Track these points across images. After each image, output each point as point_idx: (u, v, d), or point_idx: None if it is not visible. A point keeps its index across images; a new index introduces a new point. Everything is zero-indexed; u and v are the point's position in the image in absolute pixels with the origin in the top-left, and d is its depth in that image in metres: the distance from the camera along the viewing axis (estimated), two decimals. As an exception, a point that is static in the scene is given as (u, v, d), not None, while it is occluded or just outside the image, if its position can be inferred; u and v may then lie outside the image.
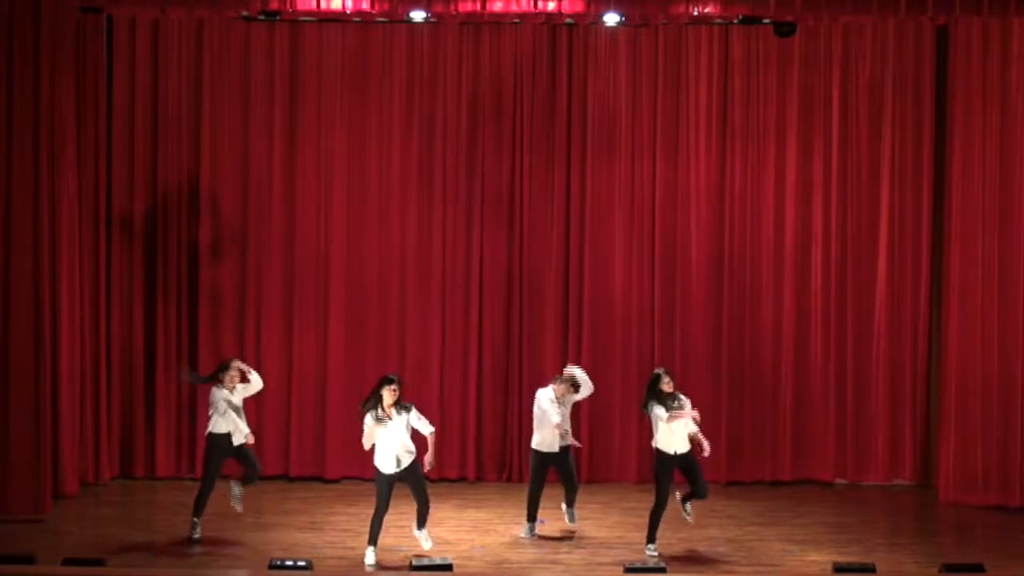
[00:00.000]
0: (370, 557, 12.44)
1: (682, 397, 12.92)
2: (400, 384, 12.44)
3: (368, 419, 12.30)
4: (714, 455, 13.60)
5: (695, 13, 14.35)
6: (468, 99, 15.87)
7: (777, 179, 15.86)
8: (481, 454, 15.87)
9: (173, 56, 15.68)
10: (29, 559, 10.64)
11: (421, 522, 12.52)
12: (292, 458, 15.71)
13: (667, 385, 12.85)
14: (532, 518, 13.45)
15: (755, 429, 15.78)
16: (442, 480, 15.38)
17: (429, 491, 12.60)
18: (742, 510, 14.52)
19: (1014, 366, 14.92)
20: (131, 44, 15.64)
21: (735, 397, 15.73)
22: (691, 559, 12.80)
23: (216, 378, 13.28)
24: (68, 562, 10.82)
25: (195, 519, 13.20)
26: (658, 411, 12.74)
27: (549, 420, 13.24)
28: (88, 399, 15.17)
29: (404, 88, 15.85)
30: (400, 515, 13.05)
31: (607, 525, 13.66)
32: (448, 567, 10.77)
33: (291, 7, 14.27)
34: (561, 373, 13.69)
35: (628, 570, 10.71)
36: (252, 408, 13.84)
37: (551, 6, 14.22)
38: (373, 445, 12.40)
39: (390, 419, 12.31)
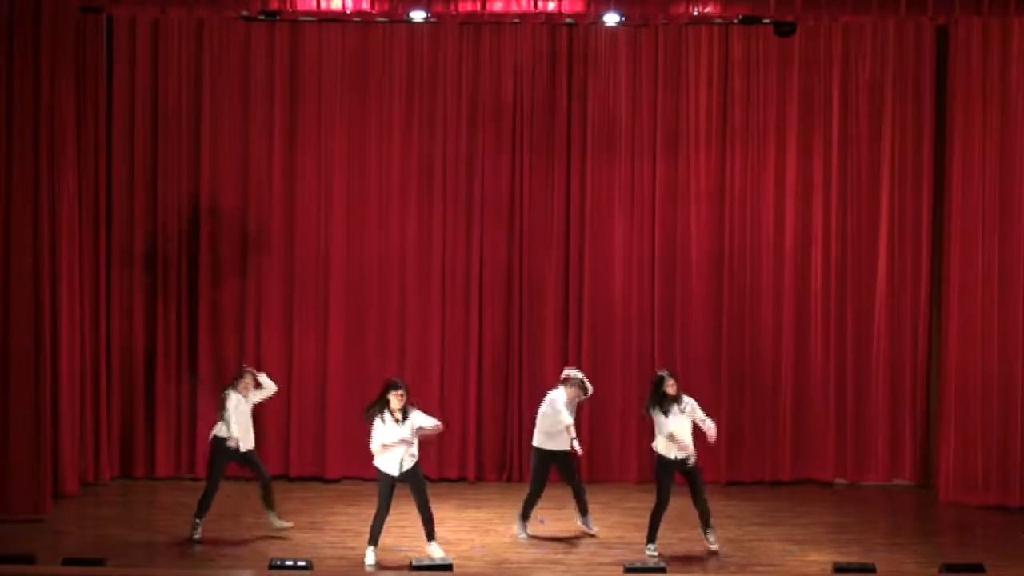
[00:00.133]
0: (370, 557, 12.45)
1: (686, 399, 12.91)
2: (406, 389, 12.49)
3: (377, 423, 12.37)
4: (714, 455, 13.62)
5: (695, 13, 14.35)
6: (468, 99, 15.87)
7: (777, 179, 15.86)
8: (481, 454, 15.87)
9: (173, 56, 15.68)
10: (29, 559, 10.64)
11: (429, 535, 12.53)
12: (292, 458, 15.71)
13: (671, 388, 12.84)
14: (525, 517, 13.44)
15: (755, 429, 15.78)
16: (442, 480, 15.39)
17: (429, 492, 12.60)
18: (742, 510, 14.52)
19: (1014, 366, 14.92)
20: (131, 44, 15.64)
21: (735, 397, 15.73)
22: (691, 559, 12.80)
23: (232, 385, 13.35)
24: (68, 562, 10.81)
25: (197, 520, 13.21)
26: (661, 421, 12.75)
27: (562, 421, 13.24)
28: (88, 399, 15.17)
29: (404, 88, 15.85)
30: (400, 515, 13.05)
31: (607, 525, 13.65)
32: (448, 567, 10.77)
33: (291, 7, 14.27)
34: (566, 375, 13.65)
35: (628, 570, 10.71)
36: (253, 408, 13.80)
37: (551, 6, 14.21)
38: (382, 446, 12.43)
39: (397, 423, 12.34)
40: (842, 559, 11.81)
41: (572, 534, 13.54)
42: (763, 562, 12.71)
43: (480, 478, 15.83)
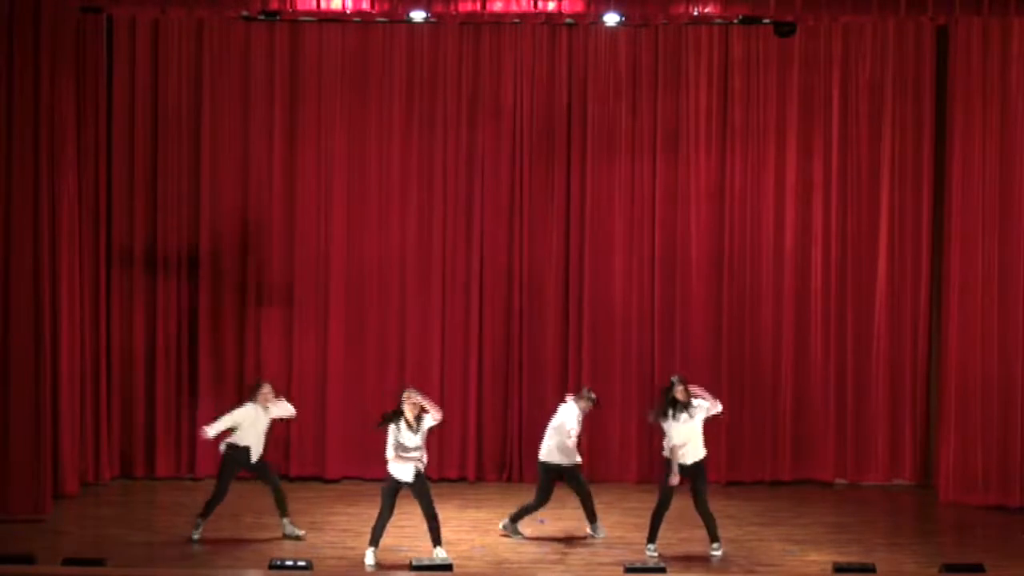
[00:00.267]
0: (370, 558, 12.45)
1: (695, 403, 12.89)
2: (419, 395, 12.55)
3: (392, 431, 12.45)
4: (714, 455, 13.60)
5: (695, 13, 14.35)
6: (468, 99, 15.87)
7: (777, 179, 15.86)
8: (481, 454, 15.88)
9: (173, 56, 15.68)
10: (29, 559, 10.64)
11: (436, 539, 12.54)
12: (292, 458, 15.71)
13: (680, 393, 12.84)
14: (517, 519, 13.44)
15: (755, 429, 15.78)
16: (442, 480, 15.39)
17: (434, 496, 12.63)
18: (742, 510, 14.52)
19: (1014, 366, 14.92)
20: (131, 44, 15.64)
21: (735, 397, 15.72)
22: (691, 559, 12.79)
23: (251, 397, 13.37)
24: (68, 562, 10.81)
25: (200, 519, 13.20)
26: (670, 428, 12.76)
27: (573, 435, 13.27)
28: (88, 399, 15.17)
29: (404, 88, 15.85)
30: (401, 515, 13.03)
31: (607, 525, 13.64)
32: (448, 567, 10.77)
33: (291, 7, 14.27)
34: (579, 391, 13.66)
35: (628, 570, 10.71)
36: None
37: (551, 6, 14.21)
38: (397, 456, 12.50)
39: (412, 431, 12.43)
40: (842, 559, 11.81)
41: (572, 534, 13.53)
42: (763, 562, 12.71)
43: (480, 478, 15.83)
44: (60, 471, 14.33)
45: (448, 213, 15.88)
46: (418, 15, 14.57)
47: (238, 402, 13.71)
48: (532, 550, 13.03)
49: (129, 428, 15.67)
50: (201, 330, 15.68)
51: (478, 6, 14.21)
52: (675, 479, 12.77)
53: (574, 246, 15.90)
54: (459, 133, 15.86)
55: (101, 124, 15.44)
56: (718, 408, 12.94)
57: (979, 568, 10.73)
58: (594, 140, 15.86)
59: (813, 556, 12.84)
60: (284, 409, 13.47)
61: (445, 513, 13.64)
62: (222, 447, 13.31)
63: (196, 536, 13.14)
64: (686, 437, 12.79)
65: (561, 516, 13.86)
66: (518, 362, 15.84)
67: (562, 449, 13.33)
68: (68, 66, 14.39)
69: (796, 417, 15.85)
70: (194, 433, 15.44)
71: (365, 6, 14.29)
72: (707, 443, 13.00)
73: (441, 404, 15.40)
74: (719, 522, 13.09)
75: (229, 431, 13.28)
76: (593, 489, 13.58)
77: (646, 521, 13.04)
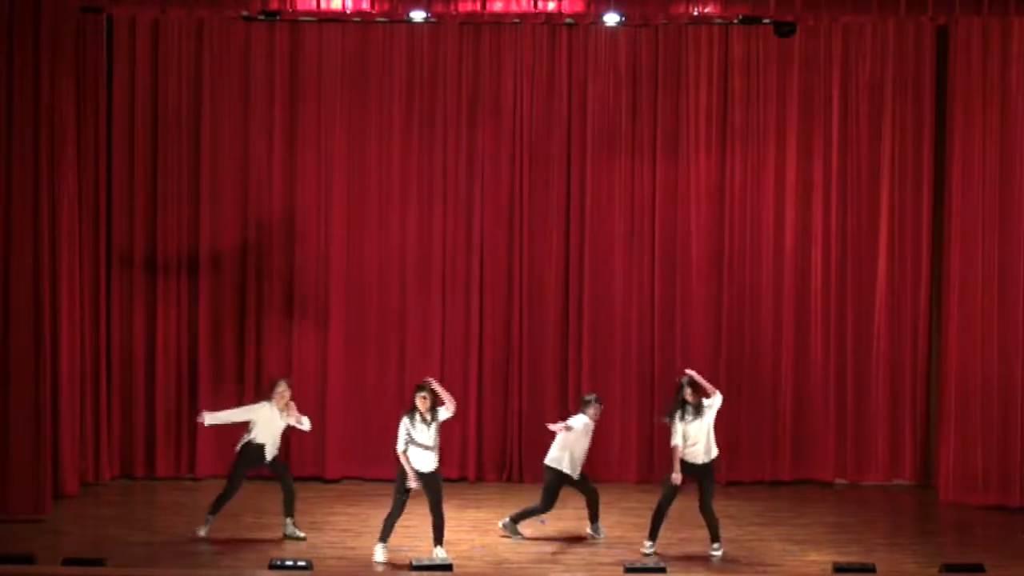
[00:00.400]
0: (379, 555, 12.49)
1: (706, 403, 12.89)
2: (431, 391, 12.52)
3: (405, 424, 12.48)
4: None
5: (695, 13, 14.34)
6: (468, 99, 15.87)
7: (777, 179, 15.86)
8: (481, 454, 15.88)
9: (173, 56, 15.68)
10: (29, 559, 10.65)
11: (438, 538, 12.55)
12: (292, 458, 15.67)
13: (689, 396, 12.84)
14: (517, 520, 13.44)
15: (755, 429, 15.78)
16: (443, 480, 15.37)
17: (443, 501, 12.65)
18: (742, 510, 14.52)
19: (1014, 366, 14.92)
20: (131, 44, 15.64)
21: (735, 397, 15.68)
22: (691, 559, 12.80)
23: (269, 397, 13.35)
24: (68, 562, 10.83)
25: (209, 516, 13.20)
26: (677, 428, 12.77)
27: (583, 446, 13.31)
28: (88, 399, 15.16)
29: (404, 88, 15.85)
30: (404, 515, 13.02)
31: (607, 525, 13.64)
32: (448, 567, 10.77)
33: (291, 7, 14.26)
34: (586, 399, 13.67)
35: (628, 570, 10.72)
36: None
37: (551, 6, 14.21)
38: (406, 450, 12.50)
39: (426, 425, 12.45)
40: (842, 559, 11.83)
41: (572, 534, 13.54)
42: (763, 562, 12.71)
43: (480, 478, 15.83)
44: (60, 471, 14.32)
45: (448, 213, 15.88)
46: (418, 15, 14.56)
47: (239, 403, 13.72)
48: (532, 550, 13.04)
49: (129, 428, 15.67)
50: (201, 330, 15.68)
51: (478, 6, 14.21)
52: (676, 477, 12.76)
53: (574, 246, 15.90)
54: (459, 133, 15.87)
55: (101, 124, 15.44)
56: (718, 399, 12.93)
57: (979, 568, 10.74)
58: (594, 140, 15.86)
59: (813, 556, 12.84)
60: (300, 421, 13.35)
61: (446, 513, 13.65)
62: (238, 445, 13.30)
63: (203, 533, 13.13)
64: (694, 437, 12.79)
65: (561, 516, 13.85)
66: (518, 362, 15.85)
67: (574, 458, 13.34)
68: (68, 66, 14.39)
69: (796, 417, 15.85)
70: (194, 433, 15.48)
71: (365, 6, 14.29)
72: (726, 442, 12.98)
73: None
74: (720, 522, 13.09)
75: (244, 429, 13.26)
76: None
77: (646, 521, 13.04)
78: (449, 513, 13.78)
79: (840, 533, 13.75)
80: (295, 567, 10.52)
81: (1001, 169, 14.95)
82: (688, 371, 13.03)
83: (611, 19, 14.85)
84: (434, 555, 12.36)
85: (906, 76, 15.73)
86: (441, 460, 12.66)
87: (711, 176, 15.88)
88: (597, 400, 13.56)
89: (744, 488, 15.53)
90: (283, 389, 13.28)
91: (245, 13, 14.78)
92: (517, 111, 15.84)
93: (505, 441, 15.88)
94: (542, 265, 15.89)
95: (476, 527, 13.76)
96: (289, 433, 13.65)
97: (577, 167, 15.89)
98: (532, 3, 14.17)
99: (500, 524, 13.51)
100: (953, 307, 15.08)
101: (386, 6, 14.33)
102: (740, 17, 14.72)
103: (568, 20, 15.23)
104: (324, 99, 15.80)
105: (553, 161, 15.87)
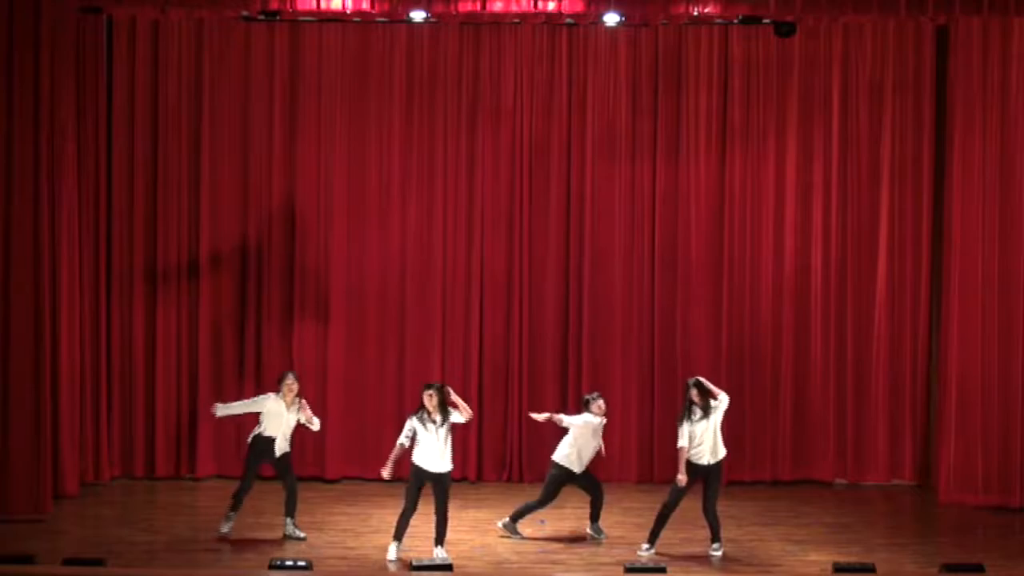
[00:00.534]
0: (392, 553, 12.51)
1: (714, 401, 12.88)
2: (438, 390, 12.55)
3: (412, 420, 12.55)
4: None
5: (695, 13, 14.33)
6: (468, 99, 15.87)
7: (777, 179, 15.87)
8: (481, 454, 15.87)
9: (173, 56, 15.68)
10: (29, 559, 10.64)
11: (439, 539, 12.57)
12: (292, 458, 15.66)
13: (695, 396, 12.85)
14: (516, 518, 13.44)
15: (755, 429, 15.78)
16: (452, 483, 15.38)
17: (449, 504, 12.66)
18: (742, 510, 14.52)
19: (1014, 366, 14.91)
20: (131, 44, 15.64)
21: (735, 397, 15.59)
22: (691, 559, 12.80)
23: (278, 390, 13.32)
24: (68, 562, 10.80)
25: (231, 512, 13.18)
26: (683, 428, 12.80)
27: (593, 446, 13.33)
28: (88, 399, 15.16)
29: (404, 88, 15.85)
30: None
31: (607, 525, 13.64)
32: (448, 567, 10.77)
33: (291, 7, 14.25)
34: (586, 398, 13.66)
35: (628, 570, 10.71)
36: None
37: (551, 6, 14.20)
38: (411, 446, 12.52)
39: (434, 424, 12.47)
40: (842, 559, 11.81)
41: (572, 534, 13.54)
42: (763, 562, 12.71)
43: (480, 478, 15.83)
44: (60, 471, 14.32)
45: (448, 213, 15.88)
46: (418, 15, 14.55)
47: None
48: (532, 550, 13.03)
49: (129, 428, 15.67)
50: (201, 330, 15.67)
51: (478, 6, 14.20)
52: (681, 479, 12.76)
53: (574, 245, 15.90)
54: (459, 133, 15.87)
55: (101, 124, 15.43)
56: (725, 401, 12.94)
57: (979, 568, 10.72)
58: (594, 140, 15.86)
59: (813, 556, 12.84)
60: (310, 421, 13.28)
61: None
62: (249, 437, 13.30)
63: (226, 530, 13.11)
64: (700, 438, 12.79)
65: (561, 516, 13.86)
66: (518, 362, 15.84)
67: (582, 457, 13.34)
68: (68, 66, 14.39)
69: (796, 417, 15.85)
70: (194, 433, 15.50)
71: (365, 6, 14.27)
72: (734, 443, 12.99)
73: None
74: (721, 523, 13.09)
75: (255, 422, 13.25)
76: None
77: (646, 521, 13.04)
78: (450, 513, 13.80)
79: (840, 533, 13.75)
80: (295, 567, 10.50)
81: (1001, 169, 14.95)
82: (699, 378, 13.04)
83: (611, 19, 14.84)
84: (434, 555, 12.36)
85: (906, 76, 15.74)
86: (455, 464, 12.74)
87: (711, 176, 15.88)
88: (598, 396, 13.53)
89: (744, 488, 15.53)
90: (291, 382, 13.24)
91: (245, 13, 14.76)
92: (517, 111, 15.84)
93: (505, 441, 15.88)
94: (542, 265, 15.89)
95: (476, 527, 13.75)
96: (295, 432, 13.65)
97: (577, 166, 15.89)
98: (532, 3, 14.16)
99: (499, 524, 13.51)
100: (953, 307, 15.08)
101: (386, 6, 14.31)
102: (740, 17, 14.71)
103: (568, 20, 15.21)
104: (324, 99, 15.80)
105: (553, 160, 15.87)
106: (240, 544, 13.01)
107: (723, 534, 13.03)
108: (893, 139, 15.78)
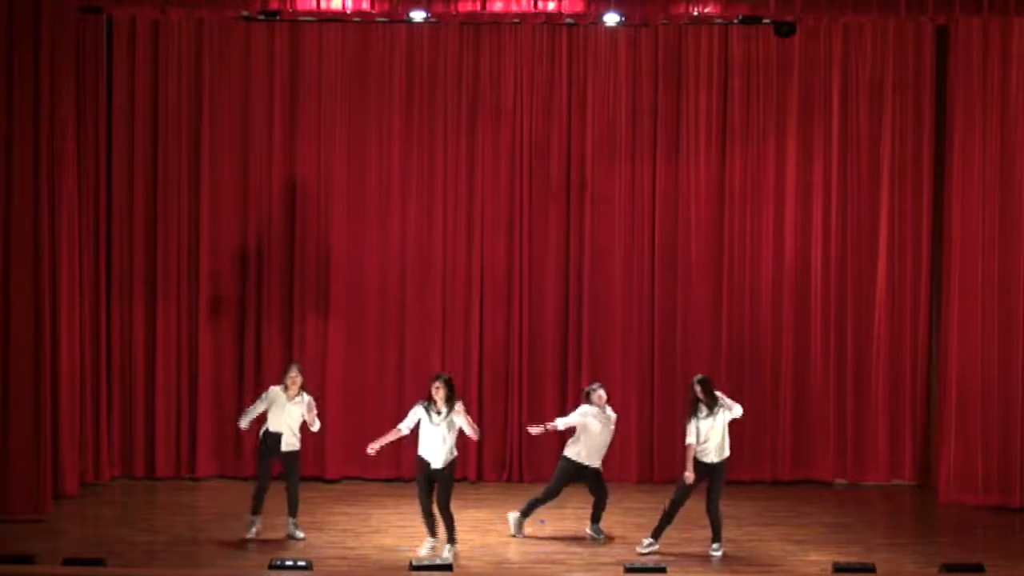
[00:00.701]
0: (424, 549, 12.58)
1: (721, 400, 12.89)
2: (445, 382, 12.61)
3: (417, 409, 12.64)
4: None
5: (695, 13, 14.33)
6: (468, 99, 15.88)
7: (777, 179, 15.87)
8: (481, 454, 15.87)
9: (173, 56, 15.67)
10: (29, 559, 10.63)
11: (450, 537, 12.60)
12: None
13: (700, 393, 12.86)
14: (527, 513, 13.44)
15: (755, 429, 15.77)
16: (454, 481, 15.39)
17: (453, 501, 12.67)
18: (742, 510, 14.51)
19: (1014, 366, 14.91)
20: (131, 44, 15.64)
21: (735, 397, 15.54)
22: (691, 559, 12.80)
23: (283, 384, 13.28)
24: (68, 562, 10.80)
25: (253, 517, 13.15)
26: (689, 426, 12.81)
27: (604, 438, 13.35)
28: (88, 399, 15.16)
29: (404, 88, 15.85)
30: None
31: (607, 525, 13.64)
32: (448, 567, 10.77)
33: (291, 7, 14.24)
34: (587, 389, 13.65)
35: (628, 570, 10.70)
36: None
37: (551, 6, 14.20)
38: (414, 439, 12.53)
39: (438, 415, 12.51)
40: (842, 559, 11.80)
41: (572, 534, 13.54)
42: (763, 562, 12.71)
43: (480, 478, 15.83)
44: (60, 471, 14.31)
45: (448, 212, 15.88)
46: (418, 15, 14.54)
47: (240, 402, 13.70)
48: (532, 550, 13.03)
49: (129, 428, 15.67)
50: (201, 330, 15.68)
51: (478, 6, 14.20)
52: (689, 476, 12.76)
53: (574, 245, 15.90)
54: (459, 133, 15.87)
55: (101, 124, 15.43)
56: (738, 410, 12.96)
57: (979, 568, 10.72)
58: (594, 140, 15.86)
59: (813, 556, 12.84)
60: (311, 417, 13.23)
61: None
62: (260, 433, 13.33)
63: (251, 534, 13.08)
64: (706, 435, 12.79)
65: (561, 516, 13.86)
66: (518, 362, 15.84)
67: (591, 449, 13.33)
68: (68, 66, 14.39)
69: (796, 417, 15.86)
70: (194, 433, 15.49)
71: (365, 6, 14.27)
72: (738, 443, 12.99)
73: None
74: (723, 523, 13.09)
75: (263, 420, 13.24)
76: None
77: (646, 521, 13.04)
78: (455, 513, 13.83)
79: (840, 533, 13.75)
80: (295, 567, 10.50)
81: (1001, 169, 14.95)
82: (703, 376, 13.04)
83: (611, 19, 14.83)
84: (443, 552, 12.37)
85: (906, 76, 15.74)
86: (458, 463, 12.76)
87: (711, 176, 15.89)
88: (598, 386, 13.50)
89: (744, 488, 15.51)
90: (294, 374, 13.18)
91: (245, 13, 14.75)
92: (517, 111, 15.84)
93: (505, 441, 15.88)
94: (542, 265, 15.89)
95: (476, 527, 13.75)
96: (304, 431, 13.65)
97: (577, 166, 15.89)
98: (532, 3, 14.16)
99: (512, 519, 13.43)
100: (953, 307, 15.08)
101: (386, 6, 14.31)
102: (740, 17, 14.70)
103: (568, 20, 15.21)
104: (324, 99, 15.80)
105: (553, 160, 15.87)
106: (240, 544, 13.01)
107: (724, 534, 13.02)
108: (893, 139, 15.78)
